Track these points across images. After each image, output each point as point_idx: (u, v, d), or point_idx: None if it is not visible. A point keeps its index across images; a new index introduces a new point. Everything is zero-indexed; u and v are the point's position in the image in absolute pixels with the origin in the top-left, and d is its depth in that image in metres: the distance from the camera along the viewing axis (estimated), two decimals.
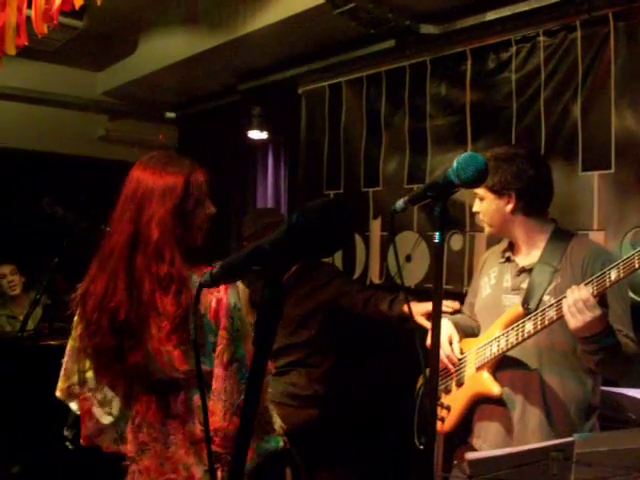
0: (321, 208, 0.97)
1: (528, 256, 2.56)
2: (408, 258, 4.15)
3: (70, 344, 2.25)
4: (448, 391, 2.70)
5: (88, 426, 2.21)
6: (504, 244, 2.71)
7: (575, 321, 2.10)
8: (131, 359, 2.00)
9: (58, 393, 2.26)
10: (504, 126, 3.77)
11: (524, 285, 2.51)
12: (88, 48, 5.55)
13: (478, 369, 2.53)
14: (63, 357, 3.42)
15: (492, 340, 2.48)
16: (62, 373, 2.26)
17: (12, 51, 3.04)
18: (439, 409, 2.62)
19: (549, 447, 1.84)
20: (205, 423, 1.21)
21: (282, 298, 0.96)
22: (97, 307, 2.00)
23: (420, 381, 2.96)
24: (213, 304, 1.97)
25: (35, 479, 4.32)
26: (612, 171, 3.30)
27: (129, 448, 2.13)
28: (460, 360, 2.66)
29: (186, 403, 2.04)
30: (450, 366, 2.66)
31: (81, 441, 2.24)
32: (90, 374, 2.18)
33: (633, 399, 2.81)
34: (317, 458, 3.73)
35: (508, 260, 2.63)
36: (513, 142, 3.70)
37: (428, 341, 2.56)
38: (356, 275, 4.57)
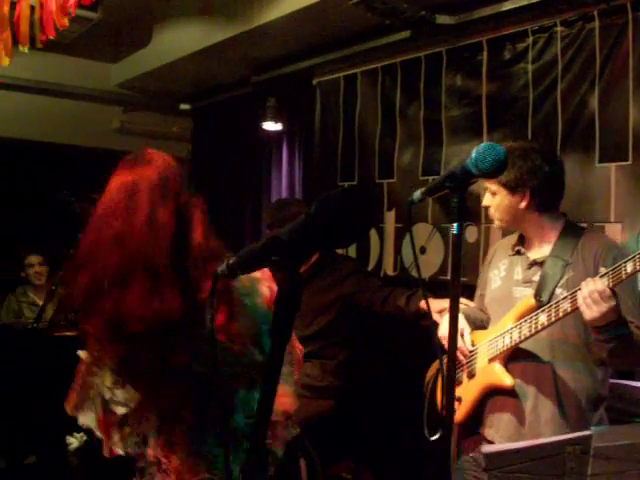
0: (339, 198, 0.95)
1: (539, 249, 2.57)
2: (422, 250, 4.14)
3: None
4: (459, 383, 2.70)
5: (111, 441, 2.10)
6: (514, 237, 2.70)
7: (591, 312, 2.12)
8: (176, 359, 1.92)
9: (68, 408, 2.15)
10: (520, 117, 3.74)
11: (535, 278, 2.51)
12: (103, 40, 5.57)
13: (490, 361, 2.53)
14: (78, 348, 3.43)
15: (505, 332, 2.48)
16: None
17: (27, 44, 3.05)
18: None
19: (566, 440, 1.82)
20: (224, 419, 1.19)
21: (300, 289, 0.95)
22: (141, 320, 1.88)
23: (430, 373, 2.98)
24: (267, 292, 1.94)
25: (50, 469, 4.34)
26: (629, 163, 3.27)
27: (153, 452, 2.07)
28: (471, 352, 2.66)
29: (230, 399, 1.99)
30: (461, 358, 2.67)
31: (104, 453, 2.10)
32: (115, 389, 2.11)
33: None
34: (331, 449, 3.74)
35: (519, 253, 2.63)
36: (529, 133, 3.68)
37: (440, 333, 2.63)
38: (370, 267, 4.55)
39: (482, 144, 1.42)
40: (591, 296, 2.12)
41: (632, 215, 3.23)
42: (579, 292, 2.17)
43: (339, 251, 4.67)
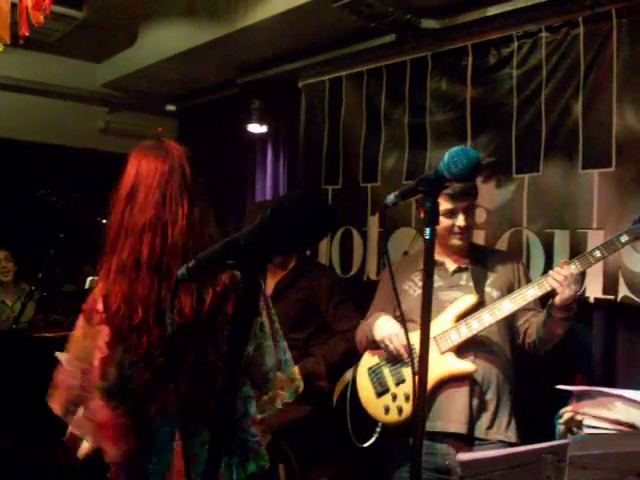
0: (295, 201, 0.93)
1: (455, 262, 2.94)
2: (405, 254, 4.11)
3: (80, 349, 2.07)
4: (402, 381, 2.89)
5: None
6: (418, 255, 3.10)
7: (569, 290, 2.56)
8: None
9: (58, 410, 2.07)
10: (504, 122, 3.73)
11: (462, 282, 2.90)
12: (88, 39, 5.52)
13: (443, 353, 2.78)
14: (58, 349, 3.38)
15: (455, 326, 2.78)
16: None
17: (6, 39, 3.00)
18: (391, 400, 2.89)
19: (542, 449, 1.81)
20: (181, 418, 1.16)
21: (258, 293, 0.93)
22: (151, 314, 1.86)
23: (341, 385, 3.24)
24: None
25: (33, 470, 4.30)
26: (612, 169, 3.27)
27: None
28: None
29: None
30: (405, 356, 2.84)
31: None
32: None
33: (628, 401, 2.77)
34: (311, 454, 3.72)
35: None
36: (513, 139, 3.68)
37: (378, 336, 2.90)
38: (353, 271, 4.53)
39: (455, 148, 1.41)
40: (570, 278, 2.57)
41: (614, 222, 3.22)
42: (550, 278, 2.62)
43: (323, 255, 4.66)
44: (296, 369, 2.08)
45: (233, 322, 0.94)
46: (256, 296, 0.94)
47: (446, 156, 1.41)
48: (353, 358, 3.38)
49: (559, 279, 2.58)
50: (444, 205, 2.78)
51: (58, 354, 3.32)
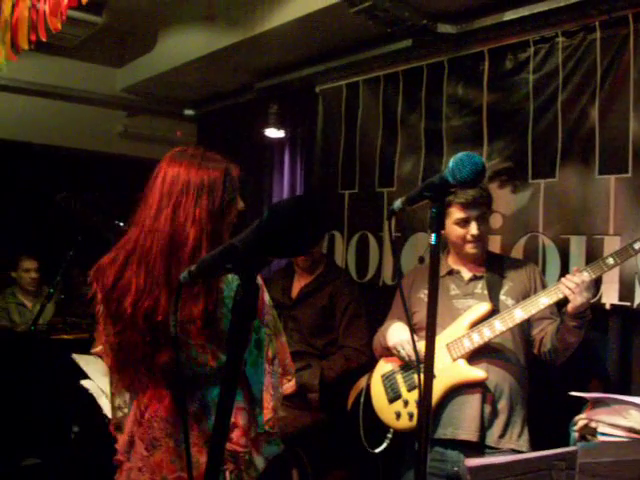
0: (289, 206, 0.94)
1: (471, 270, 2.99)
2: (421, 260, 4.11)
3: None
4: (414, 387, 2.91)
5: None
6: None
7: (581, 298, 2.58)
8: (161, 357, 1.96)
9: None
10: (521, 127, 3.71)
11: (477, 290, 2.94)
12: (108, 44, 5.58)
13: (455, 360, 2.80)
14: (75, 351, 3.43)
15: (468, 333, 2.80)
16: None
17: (25, 45, 3.04)
18: (402, 406, 2.91)
19: (551, 456, 1.80)
20: (185, 426, 1.17)
21: (256, 296, 0.94)
22: (133, 304, 1.96)
23: (355, 391, 3.24)
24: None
25: (49, 471, 4.34)
26: (629, 175, 3.25)
27: (121, 444, 2.08)
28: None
29: (203, 400, 1.99)
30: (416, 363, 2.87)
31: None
32: None
33: None
34: (325, 458, 3.72)
35: (450, 273, 3.03)
36: (529, 144, 3.66)
37: (390, 342, 2.96)
38: (369, 276, 4.53)
39: (460, 153, 1.41)
40: (582, 285, 2.58)
41: (631, 228, 3.20)
42: (561, 286, 2.63)
43: (339, 259, 4.66)
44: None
45: (231, 326, 0.95)
46: (255, 299, 0.95)
47: (451, 162, 1.41)
48: (350, 377, 3.46)
49: (571, 286, 2.60)
50: (457, 214, 2.79)
51: (75, 356, 3.36)
